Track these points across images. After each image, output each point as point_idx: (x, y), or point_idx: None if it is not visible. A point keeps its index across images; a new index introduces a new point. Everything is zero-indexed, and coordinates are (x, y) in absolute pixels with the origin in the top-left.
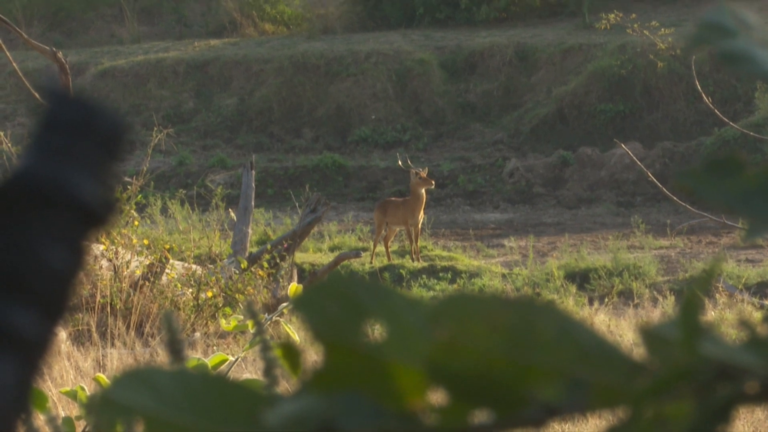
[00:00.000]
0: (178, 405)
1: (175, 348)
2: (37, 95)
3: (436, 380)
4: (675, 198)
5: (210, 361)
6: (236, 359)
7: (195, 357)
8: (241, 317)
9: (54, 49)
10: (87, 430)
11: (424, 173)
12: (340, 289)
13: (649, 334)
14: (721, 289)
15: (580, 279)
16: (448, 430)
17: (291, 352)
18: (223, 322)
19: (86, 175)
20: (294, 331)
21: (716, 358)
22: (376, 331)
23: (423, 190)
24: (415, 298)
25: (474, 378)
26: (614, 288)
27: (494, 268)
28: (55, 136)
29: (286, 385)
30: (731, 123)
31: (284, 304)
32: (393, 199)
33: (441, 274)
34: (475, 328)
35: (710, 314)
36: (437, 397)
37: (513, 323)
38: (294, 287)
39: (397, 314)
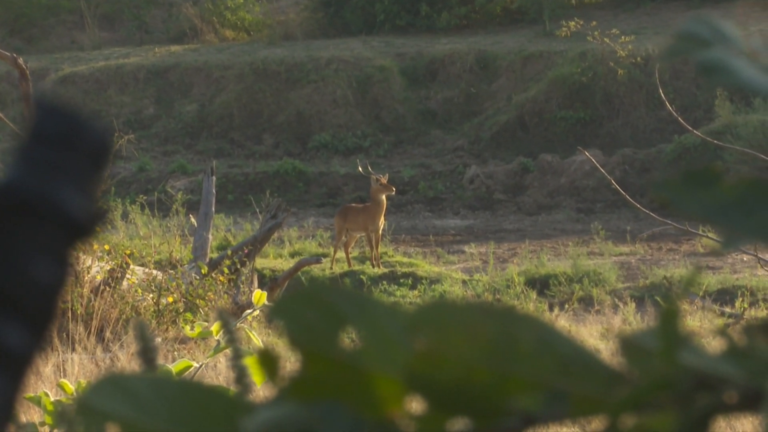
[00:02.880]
0: (156, 412)
1: (148, 356)
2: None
3: (414, 389)
4: (637, 205)
5: (174, 367)
6: (200, 365)
7: (159, 363)
8: (206, 324)
9: (15, 55)
10: None
11: (384, 179)
12: (319, 297)
13: (628, 344)
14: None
15: (541, 285)
16: None
17: (268, 359)
18: (187, 328)
19: (72, 188)
20: (257, 337)
21: (696, 368)
22: (354, 339)
23: (383, 197)
24: (393, 306)
25: (452, 387)
26: (574, 294)
27: (455, 274)
28: (41, 148)
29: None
30: (693, 130)
31: (248, 311)
32: (353, 205)
33: (402, 280)
34: (454, 337)
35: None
36: (415, 405)
37: (493, 332)
38: (258, 294)
39: (375, 322)
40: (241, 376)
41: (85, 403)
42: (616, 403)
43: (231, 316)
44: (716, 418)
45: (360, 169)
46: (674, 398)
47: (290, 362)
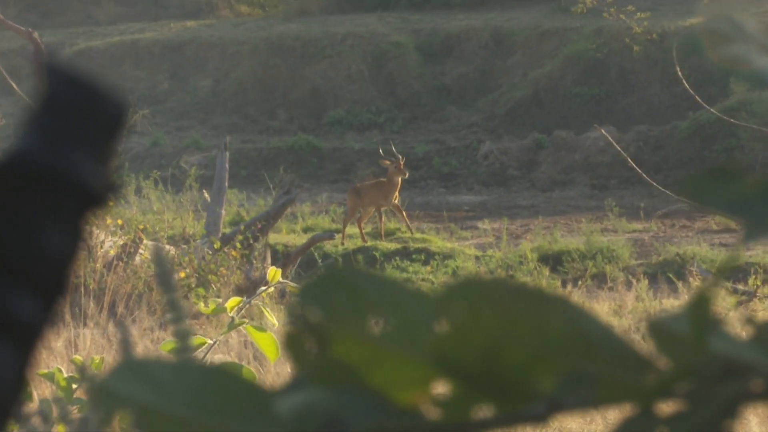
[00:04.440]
0: (177, 397)
1: (166, 281)
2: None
3: (441, 371)
4: (652, 182)
5: (161, 346)
6: (214, 342)
7: (171, 340)
8: (219, 300)
9: (30, 29)
10: (65, 413)
11: (402, 163)
12: (344, 280)
13: (657, 329)
14: (695, 273)
15: (554, 261)
16: (450, 424)
17: (294, 341)
18: (201, 305)
19: (86, 157)
20: (270, 314)
21: (724, 354)
22: (381, 322)
23: (399, 178)
24: (420, 289)
25: (479, 370)
26: (588, 271)
27: (468, 250)
28: (54, 116)
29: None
30: (708, 107)
31: (263, 288)
32: (366, 183)
33: (414, 256)
34: (482, 316)
35: (684, 299)
36: (441, 390)
37: (521, 312)
38: (273, 271)
39: (400, 305)
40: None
41: (105, 388)
42: (645, 389)
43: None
44: (743, 407)
45: (381, 150)
46: (702, 384)
47: (315, 345)
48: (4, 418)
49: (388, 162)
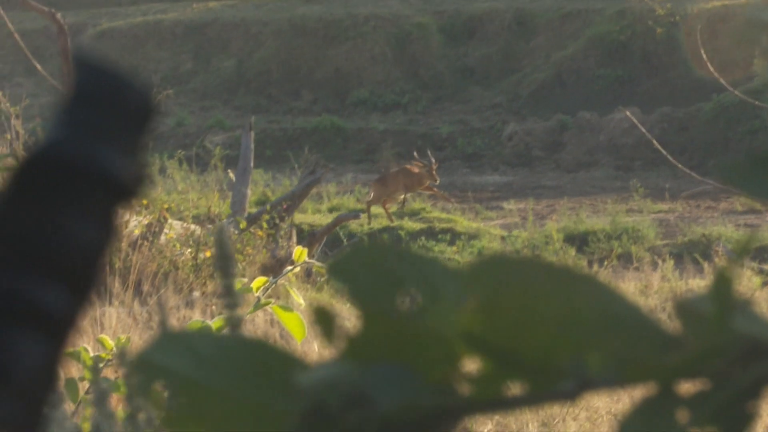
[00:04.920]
0: (216, 369)
1: (225, 265)
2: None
3: (471, 348)
4: (678, 164)
5: (214, 323)
6: (240, 321)
7: (198, 319)
8: (245, 279)
9: (52, 10)
10: (90, 391)
11: (434, 169)
12: (375, 256)
13: (683, 308)
14: (720, 253)
15: (579, 242)
16: (481, 401)
17: (324, 318)
18: None
19: (116, 148)
20: (297, 293)
21: (749, 334)
22: (412, 299)
23: (428, 182)
24: (451, 265)
25: (508, 347)
26: (613, 251)
27: (493, 230)
28: (83, 107)
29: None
30: (732, 89)
31: (289, 268)
32: (391, 171)
33: (440, 236)
34: (511, 294)
35: (710, 279)
36: (471, 367)
37: (552, 290)
38: (299, 251)
39: (432, 281)
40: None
41: (144, 360)
42: (670, 368)
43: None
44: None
45: (416, 153)
46: (727, 364)
47: (343, 321)
48: (39, 409)
49: (421, 165)
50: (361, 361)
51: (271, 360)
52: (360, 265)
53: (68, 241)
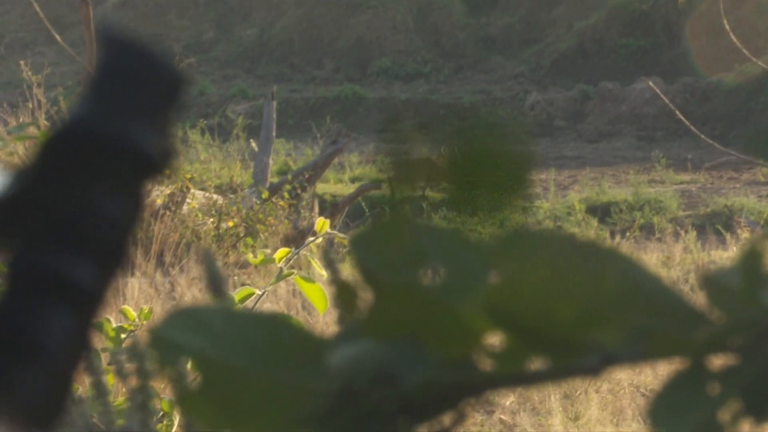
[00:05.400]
0: (232, 345)
1: (216, 285)
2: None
3: (494, 323)
4: (701, 135)
5: (237, 294)
6: (263, 293)
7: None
8: (268, 251)
9: None
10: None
11: None
12: (397, 230)
13: (710, 282)
14: (742, 224)
15: (601, 213)
16: (504, 376)
17: (346, 292)
18: (250, 256)
19: (144, 123)
20: (319, 264)
21: None
22: (435, 273)
23: None
24: (473, 239)
25: (532, 322)
26: (635, 222)
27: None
28: (113, 82)
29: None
30: (755, 59)
31: (311, 239)
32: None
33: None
34: (536, 268)
35: (732, 250)
36: (494, 342)
37: (575, 264)
38: (321, 221)
39: (455, 255)
40: (342, 316)
41: (158, 336)
42: (697, 343)
43: (281, 239)
44: None
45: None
46: (754, 339)
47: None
48: (68, 384)
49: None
50: (384, 338)
51: (287, 336)
52: (381, 238)
53: (96, 215)
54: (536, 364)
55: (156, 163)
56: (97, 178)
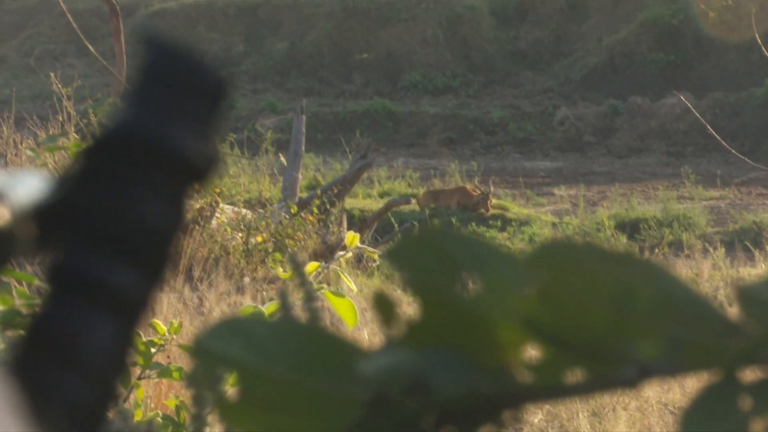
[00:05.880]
0: (275, 357)
1: (307, 289)
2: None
3: (531, 335)
4: (732, 150)
5: (267, 309)
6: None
7: (250, 305)
8: None
9: None
10: (142, 377)
11: (489, 202)
12: (433, 242)
13: (745, 294)
14: None
15: (630, 229)
16: (542, 388)
17: (384, 303)
18: (280, 270)
19: (187, 130)
20: (348, 279)
21: None
22: (471, 284)
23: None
24: (510, 251)
25: (569, 333)
26: (664, 238)
27: (544, 216)
28: (156, 88)
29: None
30: None
31: (341, 253)
32: (445, 190)
33: (491, 222)
34: (571, 279)
35: (761, 267)
36: (531, 354)
37: (612, 276)
38: (351, 236)
39: (492, 267)
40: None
41: (201, 347)
42: (733, 354)
43: (310, 255)
44: None
45: (477, 180)
46: None
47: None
48: (109, 393)
49: (477, 192)
50: (421, 348)
51: (328, 346)
52: (418, 250)
53: (139, 222)
54: (573, 376)
55: (199, 169)
56: (140, 185)
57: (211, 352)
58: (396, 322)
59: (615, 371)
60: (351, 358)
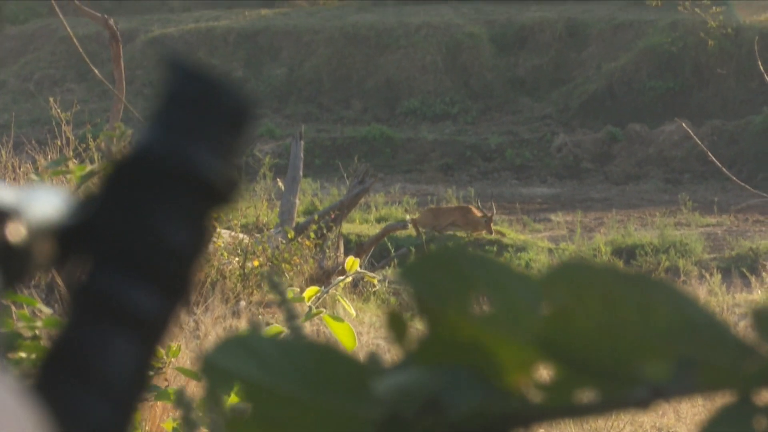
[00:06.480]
0: (282, 373)
1: (288, 307)
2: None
3: (545, 353)
4: (732, 177)
5: (265, 333)
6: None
7: (248, 329)
8: (297, 289)
9: (105, 16)
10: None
11: (492, 224)
12: (448, 261)
13: (760, 317)
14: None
15: (627, 255)
16: (553, 408)
17: (396, 322)
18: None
19: (210, 153)
20: (348, 303)
21: None
22: (484, 304)
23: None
24: (523, 271)
25: (583, 354)
26: (661, 265)
27: (541, 242)
28: (179, 111)
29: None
30: None
31: (341, 278)
32: (445, 207)
33: (487, 248)
34: (587, 300)
35: (757, 293)
36: (543, 374)
37: (626, 296)
38: (351, 261)
39: (505, 286)
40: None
41: (210, 363)
42: (747, 376)
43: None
44: None
45: (478, 201)
46: None
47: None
48: (130, 410)
49: (480, 214)
50: (433, 367)
51: (340, 365)
52: (434, 268)
53: (161, 243)
54: (584, 396)
55: (221, 192)
56: (163, 207)
57: (221, 368)
58: (408, 341)
59: (627, 391)
60: (363, 377)
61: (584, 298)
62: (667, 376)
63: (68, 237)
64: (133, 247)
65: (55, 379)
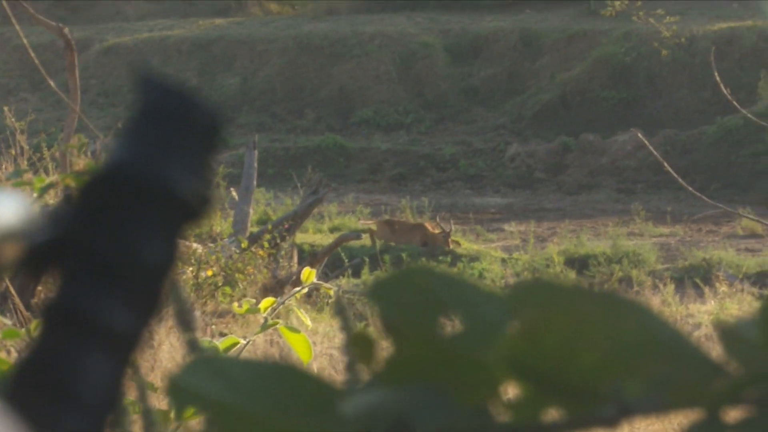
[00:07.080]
0: (250, 394)
1: (185, 319)
2: (43, 70)
3: (513, 372)
4: (689, 188)
5: (221, 344)
6: (247, 342)
7: (206, 339)
8: (253, 300)
9: (60, 24)
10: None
11: (450, 240)
12: (415, 279)
13: (727, 334)
14: (721, 278)
15: (580, 265)
16: (520, 427)
17: (362, 342)
18: (235, 305)
19: (183, 168)
20: (304, 315)
21: None
22: (452, 322)
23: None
24: (492, 289)
25: (550, 372)
26: (614, 275)
27: (494, 252)
28: (150, 126)
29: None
30: (742, 110)
31: (297, 289)
32: (402, 221)
33: (440, 258)
34: (555, 318)
35: (710, 304)
36: (510, 393)
37: (595, 315)
38: (307, 271)
39: (474, 305)
40: (352, 363)
41: (176, 384)
42: (715, 394)
43: (259, 289)
44: None
45: (438, 217)
46: None
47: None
48: (102, 425)
49: (438, 231)
50: (401, 386)
51: (307, 385)
52: (400, 286)
53: (133, 260)
54: (551, 414)
55: (193, 208)
56: (135, 223)
57: (188, 390)
58: (375, 359)
59: (595, 410)
60: (331, 397)
61: (552, 317)
62: (636, 394)
63: (38, 252)
64: (104, 262)
65: (26, 394)
